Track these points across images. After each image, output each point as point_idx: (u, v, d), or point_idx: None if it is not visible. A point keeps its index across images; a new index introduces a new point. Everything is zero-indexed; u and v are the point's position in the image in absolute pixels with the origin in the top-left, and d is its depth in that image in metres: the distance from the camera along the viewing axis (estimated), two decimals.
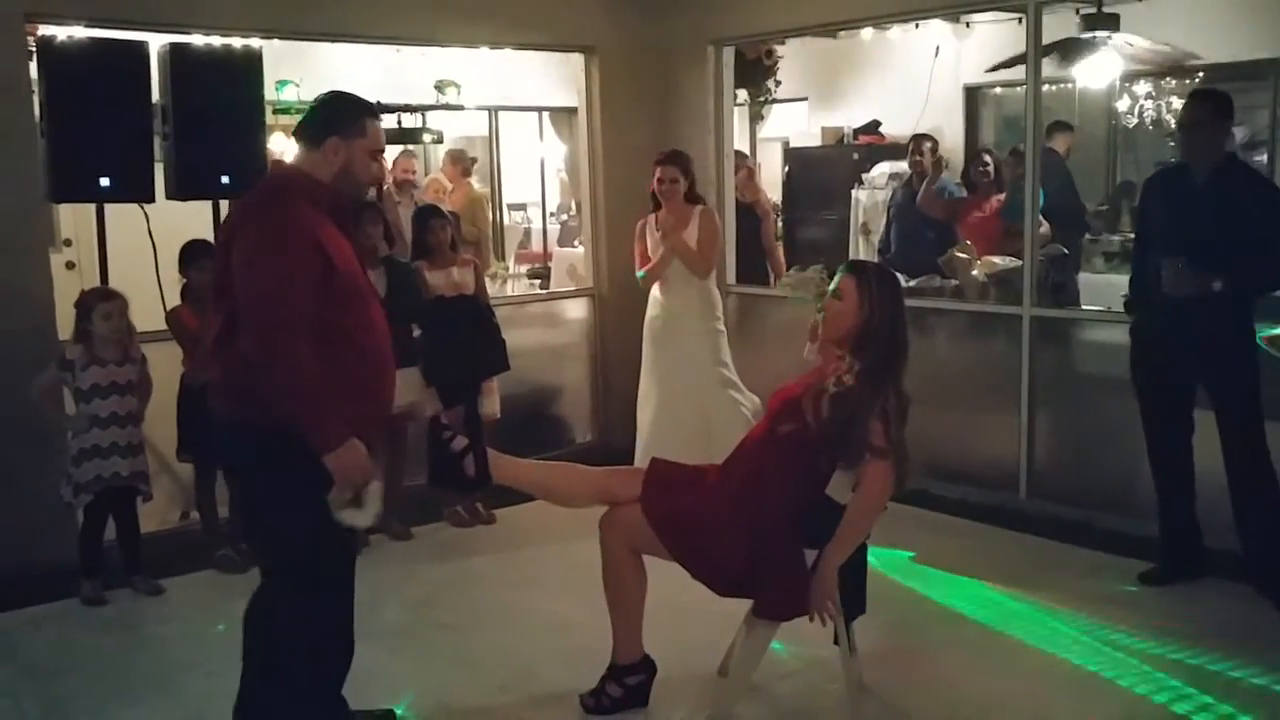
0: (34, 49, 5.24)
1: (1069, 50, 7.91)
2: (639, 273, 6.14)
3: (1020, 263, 6.21)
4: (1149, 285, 4.76)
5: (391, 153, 7.47)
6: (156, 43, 5.44)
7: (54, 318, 5.38)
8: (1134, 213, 9.32)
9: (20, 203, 5.26)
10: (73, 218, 7.94)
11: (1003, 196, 7.36)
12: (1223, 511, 4.81)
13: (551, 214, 11.62)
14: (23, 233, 5.32)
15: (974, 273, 6.88)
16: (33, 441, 5.05)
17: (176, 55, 5.40)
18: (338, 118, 3.44)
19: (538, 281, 9.70)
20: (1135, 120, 9.24)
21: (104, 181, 5.24)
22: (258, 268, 3.21)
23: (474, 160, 9.56)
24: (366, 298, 3.46)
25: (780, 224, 9.17)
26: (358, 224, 5.56)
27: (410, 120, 6.95)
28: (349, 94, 3.58)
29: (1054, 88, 8.85)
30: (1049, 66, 7.10)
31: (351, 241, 3.50)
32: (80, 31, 5.33)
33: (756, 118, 9.74)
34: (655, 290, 6.15)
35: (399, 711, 3.93)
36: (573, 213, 10.71)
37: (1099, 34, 7.80)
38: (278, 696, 3.43)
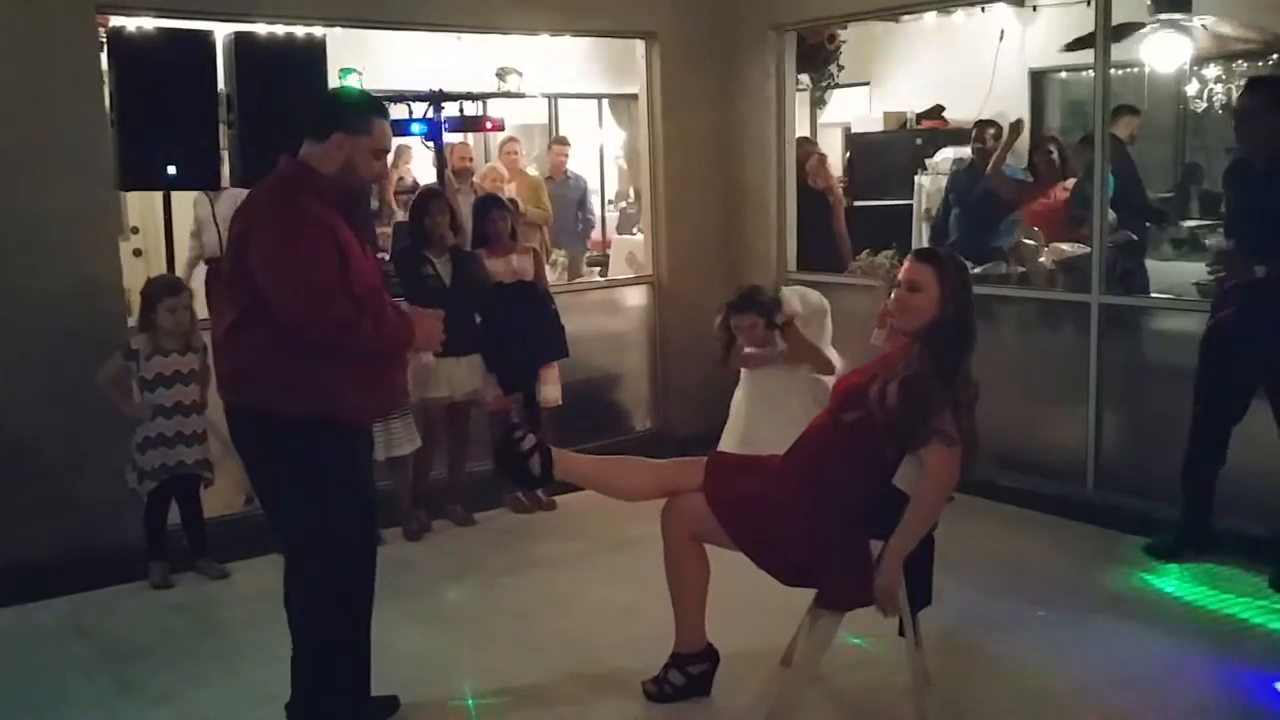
0: (105, 40, 5.31)
1: (1137, 33, 7.76)
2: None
3: (1088, 249, 6.12)
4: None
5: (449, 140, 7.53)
6: (221, 32, 5.50)
7: (124, 305, 5.46)
8: (1202, 198, 9.20)
9: (92, 192, 5.34)
10: (139, 205, 8.06)
11: (1069, 184, 7.24)
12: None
13: (610, 201, 11.62)
14: (94, 221, 5.40)
15: (1041, 259, 6.78)
16: (104, 427, 5.13)
17: (241, 44, 5.44)
18: (344, 113, 3.44)
19: (597, 269, 9.72)
20: (1205, 105, 9.05)
21: (171, 170, 5.30)
22: (285, 274, 3.26)
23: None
24: (374, 291, 3.46)
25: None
26: (426, 212, 5.61)
27: (471, 108, 6.97)
28: (359, 90, 3.62)
29: (1121, 72, 8.68)
30: (1118, 50, 6.95)
31: (358, 234, 3.49)
32: (149, 22, 5.40)
33: (818, 103, 9.67)
34: None
35: (469, 704, 3.94)
36: (631, 200, 10.70)
37: (1169, 16, 7.64)
38: (320, 682, 3.49)
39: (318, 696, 3.52)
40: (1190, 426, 5.04)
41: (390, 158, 4.22)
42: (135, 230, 8.17)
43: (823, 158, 8.23)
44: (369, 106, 3.49)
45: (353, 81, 7.79)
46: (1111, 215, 6.30)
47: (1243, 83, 8.42)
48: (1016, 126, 7.64)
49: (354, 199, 3.55)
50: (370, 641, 3.65)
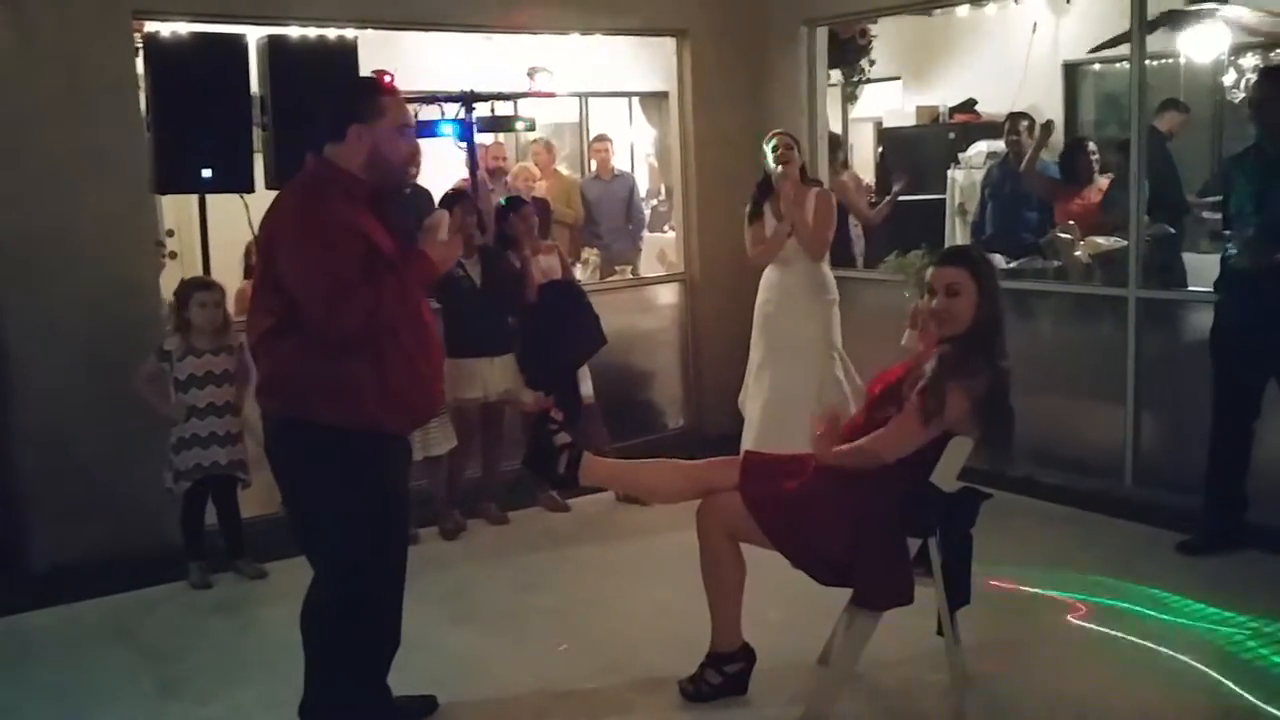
0: (140, 45, 5.36)
1: (1175, 23, 7.66)
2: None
3: (1124, 243, 6.06)
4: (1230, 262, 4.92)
5: (482, 141, 7.54)
6: (254, 36, 5.53)
7: (160, 308, 5.52)
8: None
9: (128, 195, 5.39)
10: (175, 208, 8.11)
11: (1103, 184, 7.16)
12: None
13: (640, 199, 11.58)
14: (130, 224, 5.45)
15: (1077, 254, 6.72)
16: (143, 428, 5.18)
17: (274, 47, 5.49)
18: (353, 103, 3.33)
19: (628, 267, 9.70)
20: (1242, 95, 8.92)
21: (206, 173, 5.35)
22: (308, 275, 3.20)
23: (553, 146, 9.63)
24: (386, 259, 3.38)
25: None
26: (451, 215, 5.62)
27: (503, 108, 6.97)
28: (360, 77, 3.50)
29: (1157, 63, 8.58)
30: (1154, 41, 6.88)
31: (393, 231, 3.44)
32: (183, 27, 5.44)
33: (849, 98, 9.62)
34: (766, 274, 6.05)
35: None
36: (661, 198, 10.68)
37: (1207, 5, 7.54)
38: (330, 691, 3.48)
39: (329, 705, 3.50)
40: (1212, 424, 5.08)
41: None
42: (170, 233, 8.21)
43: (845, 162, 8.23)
44: (373, 88, 3.40)
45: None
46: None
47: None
48: (1047, 126, 7.58)
49: (391, 187, 3.47)
50: (392, 648, 3.61)
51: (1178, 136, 7.71)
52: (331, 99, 3.47)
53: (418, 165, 5.66)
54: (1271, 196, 4.74)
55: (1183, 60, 8.57)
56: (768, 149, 5.95)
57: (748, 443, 5.88)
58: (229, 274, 6.33)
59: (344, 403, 3.27)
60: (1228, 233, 4.93)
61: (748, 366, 6.16)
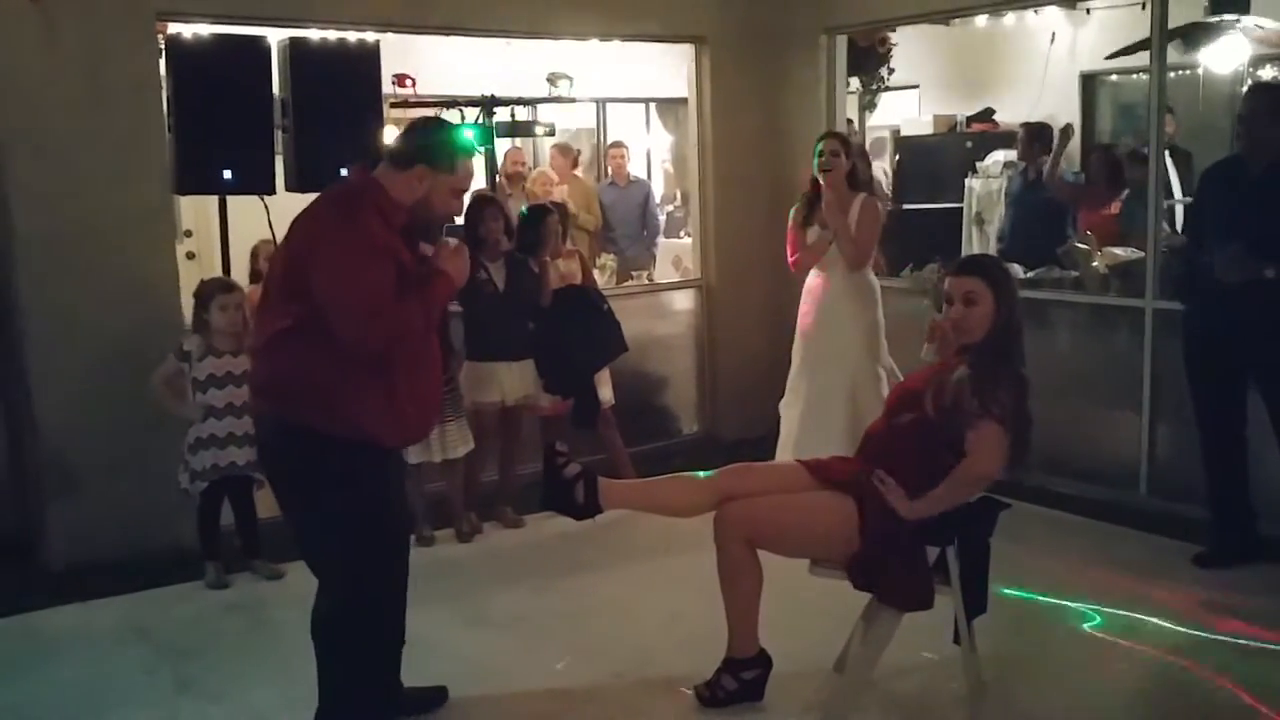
0: (163, 46, 5.39)
1: (1194, 35, 7.65)
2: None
3: (1141, 254, 6.06)
4: (1201, 274, 4.84)
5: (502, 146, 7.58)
6: (276, 38, 5.56)
7: (179, 309, 5.54)
8: None
9: (149, 196, 5.42)
10: (193, 209, 8.14)
11: (1124, 197, 7.16)
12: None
13: (655, 205, 11.59)
14: (151, 225, 5.48)
15: (1094, 264, 6.71)
16: (159, 428, 5.19)
17: (296, 50, 5.51)
18: (431, 148, 3.40)
19: (643, 273, 9.71)
20: None
21: (226, 174, 5.36)
22: (349, 300, 3.22)
23: (579, 152, 9.65)
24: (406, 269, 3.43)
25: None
26: (480, 219, 5.64)
27: (522, 113, 6.99)
28: (451, 126, 3.57)
29: (1175, 74, 8.56)
30: (1172, 53, 6.86)
31: (413, 263, 3.45)
32: (205, 29, 5.46)
33: (867, 106, 9.63)
34: (810, 280, 5.89)
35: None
36: (677, 203, 10.70)
37: (1227, 17, 7.53)
38: (343, 699, 3.49)
39: (343, 713, 3.52)
40: (1200, 439, 5.08)
41: None
42: (188, 233, 8.25)
43: None
44: (457, 145, 3.47)
45: (405, 86, 7.80)
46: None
47: None
48: (1066, 131, 7.56)
49: (422, 229, 3.51)
50: (398, 645, 3.64)
51: (1195, 144, 7.71)
52: (417, 131, 3.51)
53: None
54: (1257, 212, 4.68)
55: (1201, 71, 8.56)
56: (815, 153, 5.78)
57: (782, 450, 5.82)
58: (244, 277, 6.34)
59: (338, 413, 3.29)
60: (1179, 241, 4.84)
61: (790, 372, 6.03)
